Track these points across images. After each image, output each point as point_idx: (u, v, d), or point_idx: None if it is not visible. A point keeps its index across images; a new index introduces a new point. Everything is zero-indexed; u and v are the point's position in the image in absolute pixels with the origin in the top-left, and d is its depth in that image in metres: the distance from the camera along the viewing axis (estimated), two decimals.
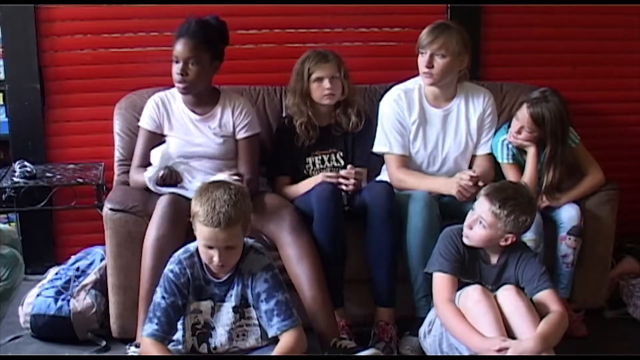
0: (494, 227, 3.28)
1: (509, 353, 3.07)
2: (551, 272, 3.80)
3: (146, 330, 3.10)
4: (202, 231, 3.00)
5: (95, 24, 4.50)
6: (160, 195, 3.61)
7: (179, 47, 3.74)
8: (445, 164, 3.97)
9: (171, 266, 3.13)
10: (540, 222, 3.77)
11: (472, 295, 3.24)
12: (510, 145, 3.99)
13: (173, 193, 3.58)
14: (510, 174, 3.97)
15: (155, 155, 3.67)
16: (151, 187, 3.66)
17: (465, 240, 3.36)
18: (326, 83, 3.92)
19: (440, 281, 3.35)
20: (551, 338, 3.15)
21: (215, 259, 3.00)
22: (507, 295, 3.25)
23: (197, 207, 3.01)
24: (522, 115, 3.90)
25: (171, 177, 3.64)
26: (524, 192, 3.37)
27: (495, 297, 3.26)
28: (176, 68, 3.75)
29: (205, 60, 3.76)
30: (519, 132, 3.92)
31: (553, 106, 3.84)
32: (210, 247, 3.01)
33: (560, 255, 3.88)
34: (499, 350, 3.08)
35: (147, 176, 3.66)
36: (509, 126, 4.03)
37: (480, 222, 3.29)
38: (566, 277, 3.88)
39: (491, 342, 3.11)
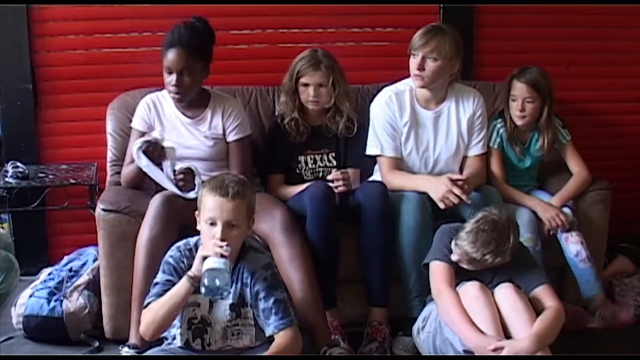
0: (482, 264, 3.29)
1: (504, 353, 3.07)
2: (568, 277, 3.91)
3: (144, 304, 3.11)
4: (208, 203, 3.03)
5: (88, 24, 4.49)
6: (154, 194, 3.61)
7: (172, 58, 3.70)
8: (437, 165, 3.97)
9: (171, 252, 3.16)
10: (534, 220, 3.80)
11: (470, 291, 3.25)
12: (501, 131, 4.09)
13: (166, 192, 3.60)
14: (493, 159, 4.07)
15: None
16: (135, 154, 3.63)
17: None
18: (311, 90, 3.93)
19: (438, 269, 3.35)
20: (547, 337, 3.16)
21: (218, 235, 2.99)
22: (504, 293, 3.25)
23: (204, 189, 3.08)
24: (517, 89, 4.04)
25: (156, 149, 3.63)
26: (501, 226, 3.27)
27: (492, 294, 3.27)
28: (169, 79, 3.73)
29: (198, 68, 3.75)
30: (522, 109, 4.02)
31: (536, 70, 4.05)
32: (214, 224, 3.01)
33: (572, 255, 3.89)
34: (494, 349, 3.09)
35: (136, 144, 3.65)
36: (499, 114, 4.14)
37: (466, 262, 3.31)
38: (589, 273, 3.88)
39: (487, 340, 3.11)
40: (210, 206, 3.02)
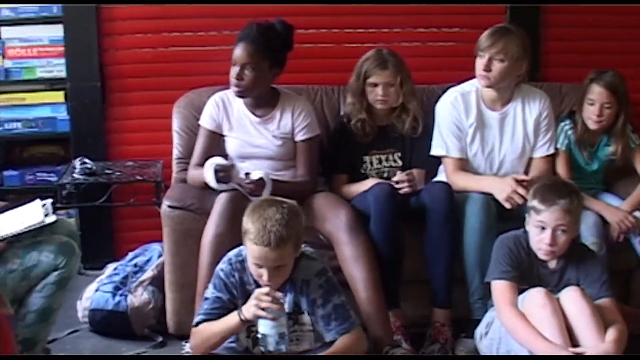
0: (573, 225, 3.26)
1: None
2: (635, 282, 3.87)
3: (194, 321, 3.13)
4: (252, 250, 2.97)
5: (156, 23, 4.56)
6: (220, 192, 3.62)
7: (238, 51, 3.73)
8: (502, 167, 3.94)
9: (222, 265, 3.14)
10: (601, 224, 3.75)
11: (536, 298, 3.20)
12: (569, 133, 4.04)
13: (233, 189, 3.60)
14: (559, 161, 4.01)
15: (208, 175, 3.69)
16: (216, 187, 3.65)
17: (546, 257, 3.31)
18: (379, 90, 3.91)
19: (501, 287, 3.31)
20: (620, 351, 3.11)
21: (265, 278, 2.97)
22: (571, 297, 3.19)
23: (248, 225, 2.99)
24: (596, 93, 3.96)
25: (227, 175, 3.64)
26: (563, 180, 3.52)
27: (557, 298, 3.22)
28: (233, 71, 3.74)
29: (264, 66, 3.74)
30: (600, 113, 3.95)
31: (614, 74, 3.98)
32: (260, 266, 2.98)
33: None
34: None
35: (208, 179, 3.67)
36: (568, 116, 4.10)
37: (560, 231, 3.25)
38: None
39: (558, 349, 3.07)
40: (255, 254, 2.97)
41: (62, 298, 3.30)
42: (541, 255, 3.31)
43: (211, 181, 3.64)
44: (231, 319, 3.02)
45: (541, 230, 3.27)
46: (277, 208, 2.99)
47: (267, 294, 2.92)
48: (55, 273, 3.18)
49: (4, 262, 3.07)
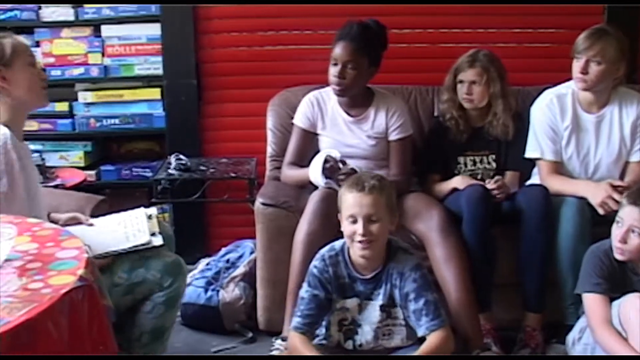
0: None
1: None
2: None
3: (292, 324, 3.16)
4: (347, 200, 3.06)
5: (251, 21, 4.61)
6: (314, 189, 3.65)
7: (339, 50, 3.75)
8: (597, 171, 3.87)
9: (316, 262, 3.17)
10: None
11: (634, 303, 3.12)
12: None
13: (329, 188, 3.61)
14: None
15: (316, 164, 3.70)
16: (318, 177, 3.66)
17: (619, 257, 3.24)
18: (464, 87, 3.91)
19: (593, 302, 3.25)
20: None
21: (360, 231, 3.00)
22: None
23: (343, 189, 3.13)
24: None
25: (335, 169, 3.65)
26: None
27: None
28: (334, 70, 3.76)
29: (364, 65, 3.77)
30: None
31: None
32: (354, 220, 3.03)
33: None
34: None
35: (315, 166, 3.69)
36: None
37: (633, 232, 3.19)
38: None
39: None
40: (350, 203, 3.05)
41: (173, 316, 3.28)
42: (615, 253, 3.26)
43: (317, 170, 3.66)
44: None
45: (619, 226, 3.23)
46: (369, 173, 3.24)
47: None
48: (161, 294, 3.16)
49: (110, 274, 3.07)
